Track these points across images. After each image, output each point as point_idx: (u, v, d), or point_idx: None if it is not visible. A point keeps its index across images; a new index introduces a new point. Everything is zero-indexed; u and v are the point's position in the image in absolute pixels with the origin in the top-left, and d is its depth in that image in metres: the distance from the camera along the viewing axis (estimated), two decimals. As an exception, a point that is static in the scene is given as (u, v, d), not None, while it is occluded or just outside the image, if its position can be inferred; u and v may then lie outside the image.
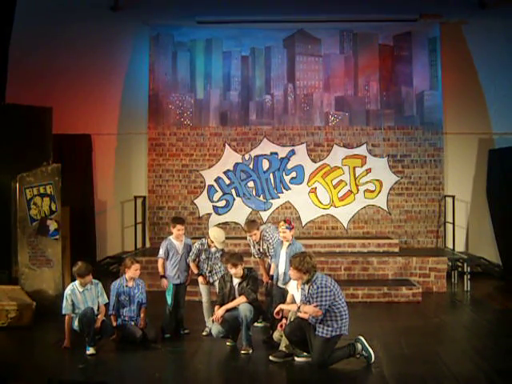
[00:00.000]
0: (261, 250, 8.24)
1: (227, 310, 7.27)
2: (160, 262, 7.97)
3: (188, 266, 8.01)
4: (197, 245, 7.99)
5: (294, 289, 7.06)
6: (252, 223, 8.35)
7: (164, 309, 7.92)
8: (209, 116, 12.95)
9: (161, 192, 12.95)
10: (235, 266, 7.28)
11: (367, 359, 6.59)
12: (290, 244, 7.64)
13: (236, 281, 7.36)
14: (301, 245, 7.76)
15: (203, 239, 8.02)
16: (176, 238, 8.03)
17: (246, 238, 8.62)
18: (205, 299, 8.02)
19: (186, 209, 12.91)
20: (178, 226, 7.98)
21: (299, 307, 6.65)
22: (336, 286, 6.60)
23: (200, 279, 7.97)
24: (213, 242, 7.87)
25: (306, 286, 6.62)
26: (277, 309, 7.01)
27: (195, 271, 7.99)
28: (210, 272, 7.97)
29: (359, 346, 6.62)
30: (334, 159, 12.80)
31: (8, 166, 9.54)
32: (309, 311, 6.49)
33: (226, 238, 8.14)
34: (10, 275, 9.49)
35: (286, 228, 7.60)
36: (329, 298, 6.47)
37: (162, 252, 7.98)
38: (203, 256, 7.95)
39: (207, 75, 12.95)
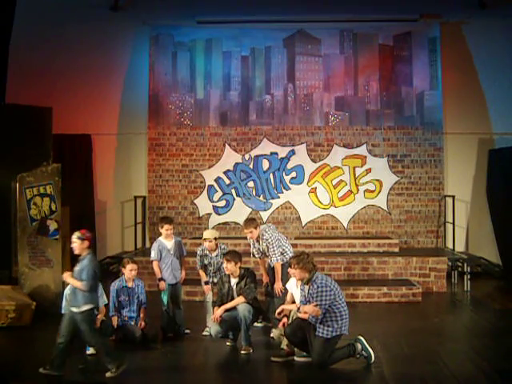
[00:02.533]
0: (260, 249, 8.22)
1: (226, 310, 7.27)
2: (155, 264, 7.89)
3: (181, 264, 8.00)
4: (198, 251, 8.03)
5: (294, 287, 7.05)
6: (249, 221, 8.32)
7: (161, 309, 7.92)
8: (209, 116, 12.94)
9: (161, 192, 12.94)
10: (228, 261, 7.29)
11: (367, 359, 6.58)
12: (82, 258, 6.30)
13: (234, 281, 7.36)
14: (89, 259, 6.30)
15: (202, 245, 8.03)
16: (165, 238, 7.98)
17: (246, 238, 8.60)
18: (207, 299, 7.99)
19: (186, 209, 12.91)
20: (166, 226, 7.92)
21: (299, 308, 6.65)
22: (336, 286, 6.59)
23: (205, 288, 7.94)
24: (206, 240, 7.87)
25: (306, 287, 6.61)
26: (278, 309, 7.01)
27: (204, 278, 7.97)
28: (215, 273, 7.97)
29: (359, 346, 6.61)
30: (333, 159, 12.79)
31: (8, 166, 9.55)
32: (309, 311, 6.48)
33: (226, 238, 8.12)
34: (10, 275, 9.50)
35: (77, 238, 6.27)
36: (329, 297, 6.46)
37: (154, 254, 7.89)
38: (205, 261, 7.97)
39: (207, 75, 12.94)
